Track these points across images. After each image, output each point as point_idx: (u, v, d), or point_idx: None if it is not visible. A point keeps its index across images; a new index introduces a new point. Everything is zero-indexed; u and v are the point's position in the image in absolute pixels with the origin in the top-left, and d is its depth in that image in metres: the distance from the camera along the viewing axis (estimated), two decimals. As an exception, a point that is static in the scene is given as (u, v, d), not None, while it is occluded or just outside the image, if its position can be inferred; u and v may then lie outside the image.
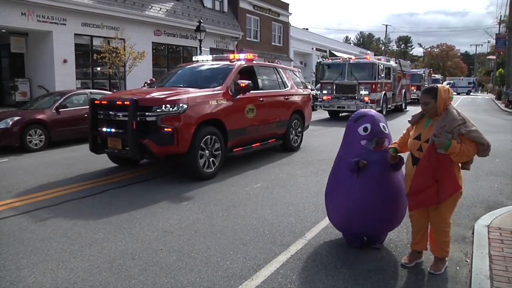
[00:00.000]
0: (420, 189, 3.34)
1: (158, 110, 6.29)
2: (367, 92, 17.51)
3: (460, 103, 34.03)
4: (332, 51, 40.70)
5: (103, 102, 6.98)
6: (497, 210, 5.15)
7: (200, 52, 19.73)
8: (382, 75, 18.67)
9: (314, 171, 7.42)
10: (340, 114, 19.57)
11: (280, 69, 9.76)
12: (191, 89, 7.17)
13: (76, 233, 4.48)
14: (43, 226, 4.69)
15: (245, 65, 8.36)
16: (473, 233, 4.38)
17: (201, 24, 19.51)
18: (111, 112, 6.74)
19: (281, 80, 9.42)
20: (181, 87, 7.65)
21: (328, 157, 8.80)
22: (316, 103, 18.62)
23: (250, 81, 7.59)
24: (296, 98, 9.72)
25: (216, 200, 5.69)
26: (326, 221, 4.74)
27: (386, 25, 70.92)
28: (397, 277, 3.45)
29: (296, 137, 9.77)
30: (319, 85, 20.54)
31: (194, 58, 9.50)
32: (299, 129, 9.92)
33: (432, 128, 3.37)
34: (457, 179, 3.32)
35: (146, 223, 4.78)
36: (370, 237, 4.06)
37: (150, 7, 20.88)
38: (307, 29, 43.04)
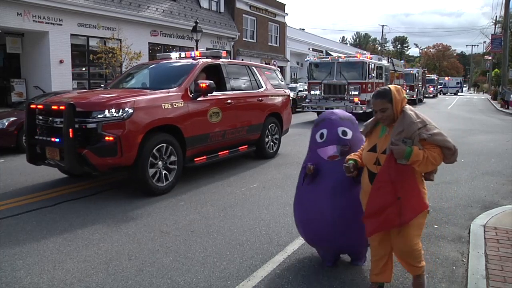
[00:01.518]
0: (379, 210, 2.79)
1: (99, 116, 5.44)
2: (356, 93, 16.76)
3: (456, 103, 34.15)
4: (329, 52, 40.76)
5: (39, 106, 6.11)
6: (493, 209, 5.17)
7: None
8: (373, 75, 17.88)
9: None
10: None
11: (254, 68, 8.81)
12: (144, 91, 6.41)
13: (72, 233, 4.47)
14: (39, 227, 4.67)
15: (210, 63, 7.47)
16: (469, 233, 4.39)
17: (198, 25, 19.50)
18: (49, 118, 5.89)
19: (255, 80, 8.53)
20: (135, 88, 6.96)
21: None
22: (303, 104, 18.08)
23: (212, 81, 6.68)
24: (272, 100, 8.83)
25: (213, 201, 5.68)
26: (322, 221, 4.75)
27: (383, 26, 71.20)
28: (394, 277, 3.45)
29: (272, 143, 8.92)
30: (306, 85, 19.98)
31: (157, 56, 8.61)
32: (276, 135, 9.06)
33: (389, 137, 2.82)
34: (423, 194, 2.82)
35: (143, 224, 4.77)
36: (350, 254, 3.68)
37: (146, 7, 20.85)
38: (303, 29, 43.11)
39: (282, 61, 33.40)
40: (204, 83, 6.54)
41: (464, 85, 72.24)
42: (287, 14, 34.68)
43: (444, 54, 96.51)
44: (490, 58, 51.94)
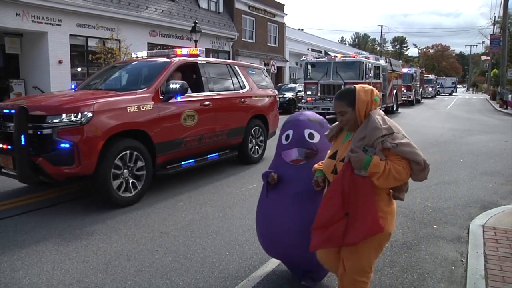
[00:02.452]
0: (326, 223, 2.40)
1: (54, 121, 4.91)
2: None
3: (455, 104, 34.19)
4: (328, 52, 40.80)
5: None
6: (492, 209, 5.18)
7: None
8: (370, 75, 17.64)
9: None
10: (327, 117, 18.88)
11: (237, 67, 8.20)
12: (110, 93, 5.88)
13: (71, 234, 4.46)
14: (38, 227, 4.67)
15: (185, 62, 6.90)
16: (468, 233, 4.40)
17: (197, 25, 19.50)
18: (2, 123, 5.40)
19: (237, 80, 7.96)
20: (101, 90, 6.37)
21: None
22: (299, 104, 17.72)
23: (184, 82, 6.15)
24: (257, 101, 8.29)
25: (212, 201, 5.68)
26: (322, 222, 4.76)
27: (382, 26, 71.23)
28: (393, 277, 3.46)
29: (257, 147, 8.35)
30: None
31: (133, 55, 7.98)
32: (261, 138, 8.47)
33: (350, 144, 2.45)
34: (378, 215, 2.31)
35: (142, 224, 4.77)
36: (307, 270, 3.26)
37: (145, 7, 20.84)
38: (302, 29, 43.12)
39: (281, 62, 33.40)
40: (176, 83, 6.01)
41: (459, 85, 72.57)
42: (286, 14, 34.69)
43: (443, 54, 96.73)
44: (488, 58, 51.98)
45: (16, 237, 4.38)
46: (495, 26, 47.85)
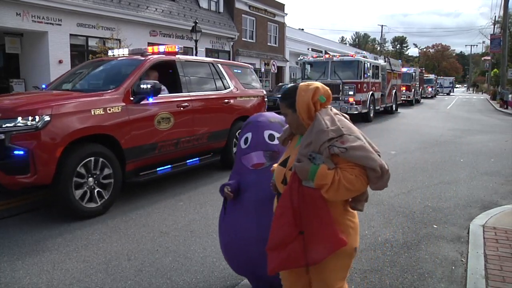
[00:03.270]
0: (281, 243, 2.09)
1: (7, 125, 4.44)
2: (351, 93, 16.10)
3: (455, 103, 34.20)
4: (328, 52, 40.78)
5: None
6: (492, 209, 5.18)
7: (196, 53, 19.73)
8: (369, 74, 17.30)
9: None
10: None
11: (220, 66, 7.66)
12: (73, 94, 5.47)
13: (71, 234, 4.46)
14: (38, 227, 4.67)
15: (161, 60, 6.44)
16: (468, 233, 4.40)
17: (197, 25, 19.50)
18: None
19: (220, 80, 7.45)
20: (67, 91, 5.91)
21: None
22: None
23: (157, 82, 5.72)
24: (242, 102, 7.82)
25: (212, 201, 5.68)
26: (322, 221, 4.76)
27: (382, 26, 71.22)
28: (393, 277, 3.46)
29: None
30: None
31: (109, 53, 7.41)
32: None
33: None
34: (336, 229, 2.01)
35: (142, 224, 4.77)
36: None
37: (145, 7, 20.83)
38: (302, 29, 43.11)
39: (281, 61, 33.40)
40: (148, 83, 5.52)
41: (459, 85, 72.89)
42: (287, 14, 34.67)
43: (443, 54, 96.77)
44: (489, 58, 52.00)
45: (17, 237, 4.38)
46: (496, 26, 47.86)
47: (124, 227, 4.69)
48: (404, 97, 27.74)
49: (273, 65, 28.91)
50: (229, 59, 27.06)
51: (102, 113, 5.11)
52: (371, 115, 17.44)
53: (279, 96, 2.32)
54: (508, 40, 34.35)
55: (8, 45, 17.05)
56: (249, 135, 2.85)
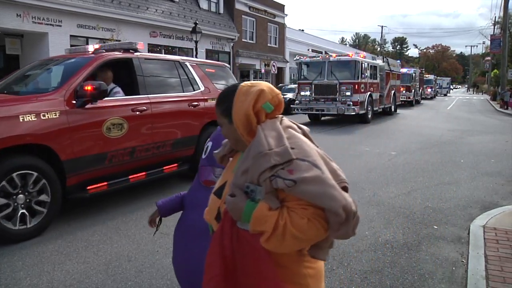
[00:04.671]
0: None
1: None
2: (348, 93, 15.74)
3: (455, 104, 34.21)
4: (328, 53, 40.82)
5: None
6: (492, 210, 5.18)
7: (196, 54, 19.73)
8: (367, 74, 16.97)
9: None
10: (322, 118, 18.07)
11: (188, 64, 6.82)
12: (8, 97, 4.89)
13: (71, 235, 4.46)
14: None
15: (114, 58, 5.69)
16: (468, 234, 4.40)
17: (197, 26, 19.51)
18: None
19: (188, 80, 6.64)
20: (4, 93, 5.20)
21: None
22: (292, 105, 17.30)
23: (102, 82, 4.94)
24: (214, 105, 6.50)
25: (213, 202, 5.67)
26: (322, 222, 4.76)
27: (382, 26, 71.25)
28: (393, 278, 3.46)
29: None
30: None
31: (65, 51, 6.69)
32: None
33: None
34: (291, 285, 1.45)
35: (142, 225, 4.76)
36: None
37: (146, 8, 20.85)
38: (302, 30, 43.15)
39: (281, 62, 33.41)
40: (90, 85, 4.80)
41: (459, 86, 73.51)
42: (287, 15, 34.70)
43: (443, 54, 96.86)
44: (489, 59, 52.04)
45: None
46: (496, 27, 47.90)
47: (124, 228, 4.69)
48: (404, 97, 27.65)
49: (273, 66, 28.91)
50: (229, 60, 27.10)
51: (33, 119, 4.36)
52: (369, 116, 17.16)
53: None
54: (508, 40, 34.36)
55: (8, 46, 17.06)
56: (209, 144, 2.35)
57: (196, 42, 19.52)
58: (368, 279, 3.43)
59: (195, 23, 19.74)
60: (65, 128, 4.64)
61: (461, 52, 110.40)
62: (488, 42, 49.89)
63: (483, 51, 69.72)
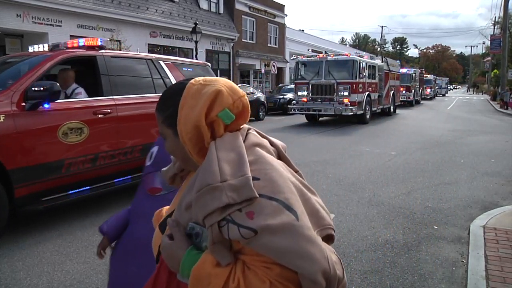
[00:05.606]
0: None
1: None
2: (346, 93, 15.45)
3: (455, 104, 34.20)
4: (327, 52, 40.80)
5: None
6: (492, 210, 5.18)
7: (196, 54, 19.73)
8: (365, 74, 16.70)
9: (310, 172, 7.42)
10: (320, 119, 17.78)
11: (162, 63, 6.23)
12: None
13: (72, 235, 4.46)
14: (39, 228, 4.67)
15: (74, 56, 5.15)
16: (468, 234, 4.40)
17: (197, 26, 19.52)
18: None
19: (161, 79, 6.07)
20: None
21: (324, 158, 8.82)
22: (289, 106, 17.10)
23: (54, 82, 4.42)
24: None
25: (213, 202, 5.67)
26: (322, 222, 4.76)
27: (382, 26, 71.23)
28: (393, 278, 3.46)
29: None
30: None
31: (30, 49, 6.06)
32: None
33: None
34: None
35: (142, 225, 4.76)
36: None
37: (146, 8, 20.86)
38: (303, 30, 43.16)
39: (281, 62, 33.42)
40: (41, 85, 4.31)
41: (459, 86, 74.12)
42: (287, 15, 34.72)
43: (443, 55, 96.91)
44: (489, 59, 52.06)
45: (17, 238, 4.38)
46: (496, 27, 47.91)
47: (124, 228, 4.68)
48: (404, 98, 27.58)
49: (273, 66, 28.93)
50: (229, 60, 27.10)
51: None
52: (368, 116, 16.92)
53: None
54: (508, 40, 34.37)
55: (8, 46, 17.06)
56: (155, 149, 2.04)
57: (196, 42, 19.52)
58: (368, 279, 3.43)
59: (195, 23, 19.74)
60: (12, 133, 4.12)
61: (461, 52, 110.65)
62: (488, 42, 49.92)
63: (483, 51, 69.77)
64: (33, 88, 4.29)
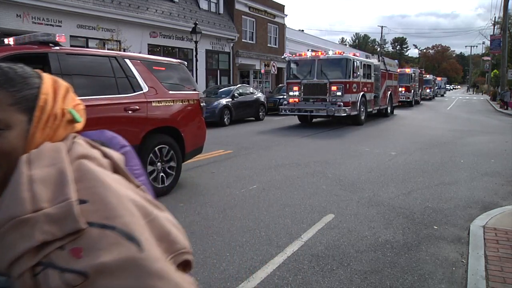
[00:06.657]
0: None
1: None
2: (339, 93, 14.76)
3: (455, 104, 34.20)
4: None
5: None
6: (492, 210, 5.18)
7: (196, 54, 19.74)
8: (359, 73, 15.93)
9: (310, 172, 7.42)
10: (313, 120, 17.24)
11: (128, 61, 5.79)
12: None
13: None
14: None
15: (22, 53, 4.72)
16: (468, 234, 4.40)
17: (197, 26, 19.53)
18: None
19: (126, 79, 5.64)
20: None
21: (324, 158, 8.82)
22: (280, 106, 16.39)
23: None
24: (161, 108, 5.95)
25: (212, 202, 5.68)
26: (322, 223, 4.75)
27: (382, 26, 71.19)
28: (393, 278, 3.46)
29: (163, 174, 6.00)
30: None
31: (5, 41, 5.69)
32: (172, 161, 6.15)
33: None
34: None
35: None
36: None
37: (145, 8, 20.87)
38: (302, 30, 43.17)
39: (281, 62, 33.36)
40: None
41: (458, 86, 74.73)
42: (287, 15, 34.72)
43: (443, 55, 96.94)
44: (489, 59, 52.07)
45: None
46: (495, 27, 47.93)
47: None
48: (403, 98, 27.48)
49: (273, 66, 28.93)
50: (229, 60, 27.11)
51: None
52: (363, 117, 16.18)
53: None
54: (508, 41, 34.40)
55: (8, 47, 17.05)
56: None
57: (196, 42, 19.53)
58: (368, 279, 3.43)
59: (195, 24, 19.75)
60: None
61: (461, 52, 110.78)
62: (488, 42, 49.94)
63: (483, 51, 69.81)
64: None
